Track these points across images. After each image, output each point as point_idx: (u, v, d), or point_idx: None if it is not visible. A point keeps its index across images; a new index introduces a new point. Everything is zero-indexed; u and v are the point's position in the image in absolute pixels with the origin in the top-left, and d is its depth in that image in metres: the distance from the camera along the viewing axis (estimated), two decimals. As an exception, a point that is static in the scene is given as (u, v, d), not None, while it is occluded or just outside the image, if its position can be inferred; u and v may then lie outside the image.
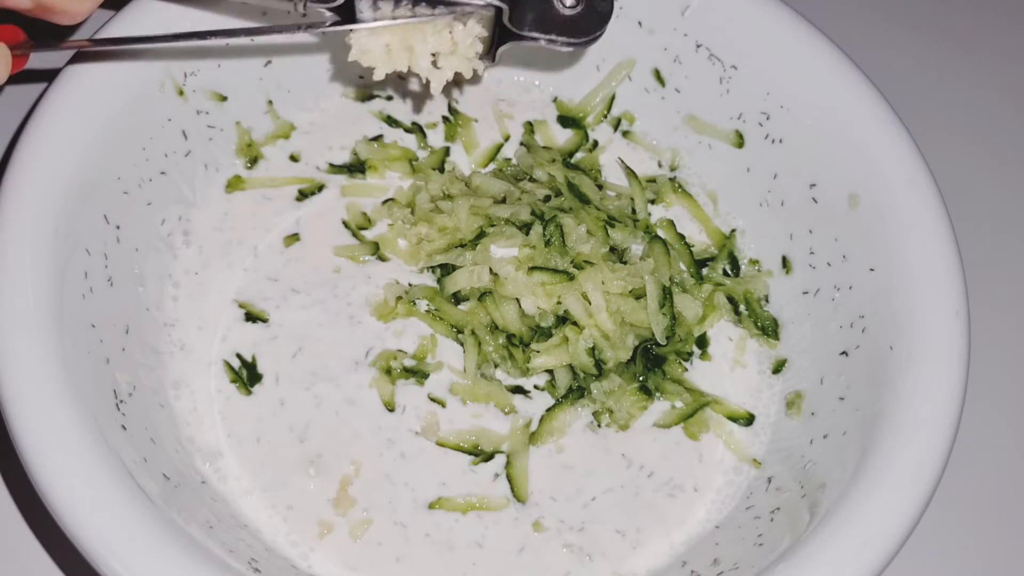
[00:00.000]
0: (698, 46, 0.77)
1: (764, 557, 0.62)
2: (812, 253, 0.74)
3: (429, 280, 0.76)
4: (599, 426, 0.72)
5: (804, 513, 0.64)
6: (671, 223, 0.79)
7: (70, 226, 0.64)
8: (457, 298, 0.75)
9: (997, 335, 0.81)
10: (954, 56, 0.94)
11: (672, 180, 0.81)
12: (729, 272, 0.78)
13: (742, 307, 0.77)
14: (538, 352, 0.72)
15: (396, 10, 0.64)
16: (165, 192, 0.74)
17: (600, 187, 0.79)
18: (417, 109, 0.83)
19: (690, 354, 0.75)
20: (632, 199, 0.79)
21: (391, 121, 0.82)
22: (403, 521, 0.68)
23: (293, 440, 0.70)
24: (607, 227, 0.75)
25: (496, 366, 0.73)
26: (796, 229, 0.76)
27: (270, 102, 0.80)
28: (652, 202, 0.80)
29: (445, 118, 0.83)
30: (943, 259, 0.67)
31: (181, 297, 0.74)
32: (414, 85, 0.83)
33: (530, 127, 0.83)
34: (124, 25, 0.69)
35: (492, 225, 0.75)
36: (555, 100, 0.84)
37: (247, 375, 0.72)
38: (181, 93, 0.74)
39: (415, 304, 0.75)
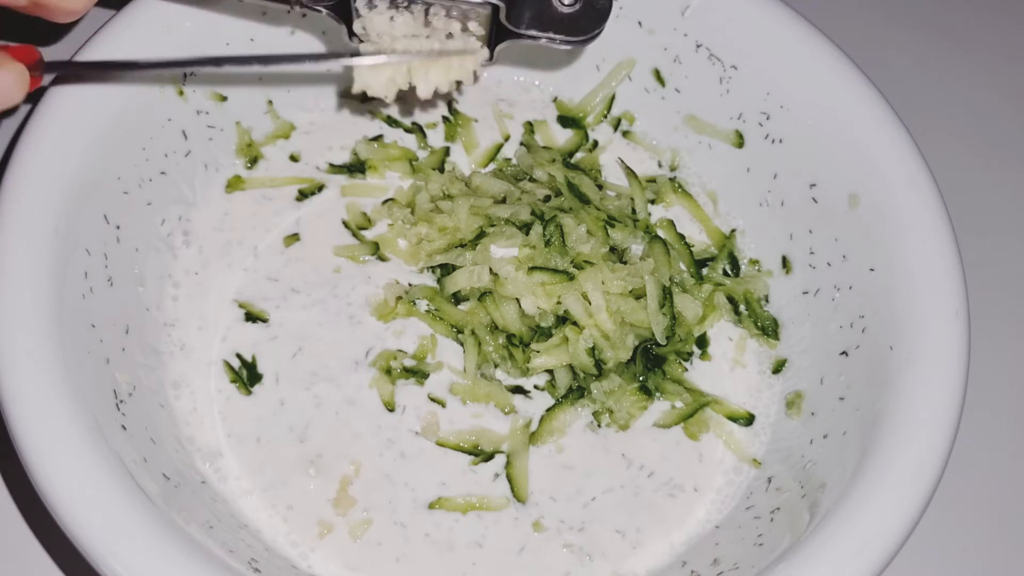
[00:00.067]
0: (698, 46, 0.77)
1: (764, 557, 0.62)
2: (812, 253, 0.74)
3: (429, 280, 0.76)
4: (599, 426, 0.72)
5: (804, 513, 0.64)
6: (671, 223, 0.79)
7: (70, 226, 0.64)
8: (457, 298, 0.75)
9: (997, 335, 0.81)
10: (954, 56, 0.94)
11: (672, 180, 0.81)
12: (729, 272, 0.78)
13: (742, 307, 0.77)
14: (538, 352, 0.72)
15: (393, 11, 0.64)
16: (165, 192, 0.74)
17: (600, 187, 0.79)
18: (416, 109, 0.83)
19: (690, 354, 0.75)
20: (632, 199, 0.79)
21: (391, 121, 0.82)
22: (403, 521, 0.68)
23: (293, 440, 0.70)
24: (607, 227, 0.75)
25: (496, 366, 0.73)
26: (796, 229, 0.76)
27: (270, 102, 0.80)
28: (652, 202, 0.80)
29: (445, 118, 0.83)
30: (943, 259, 0.67)
31: (181, 297, 0.74)
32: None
33: (530, 127, 0.83)
34: (125, 25, 0.69)
35: (492, 225, 0.75)
36: (555, 100, 0.84)
37: (247, 375, 0.72)
38: (181, 93, 0.74)
39: (415, 304, 0.75)
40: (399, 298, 0.74)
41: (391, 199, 0.79)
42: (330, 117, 0.82)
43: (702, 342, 0.76)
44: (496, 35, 0.66)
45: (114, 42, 0.69)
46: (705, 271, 0.78)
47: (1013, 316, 0.83)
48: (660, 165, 0.82)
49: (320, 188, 0.79)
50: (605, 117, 0.83)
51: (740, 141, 0.78)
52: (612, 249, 0.75)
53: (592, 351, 0.71)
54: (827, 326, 0.72)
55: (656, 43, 0.79)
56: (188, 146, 0.75)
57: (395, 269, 0.76)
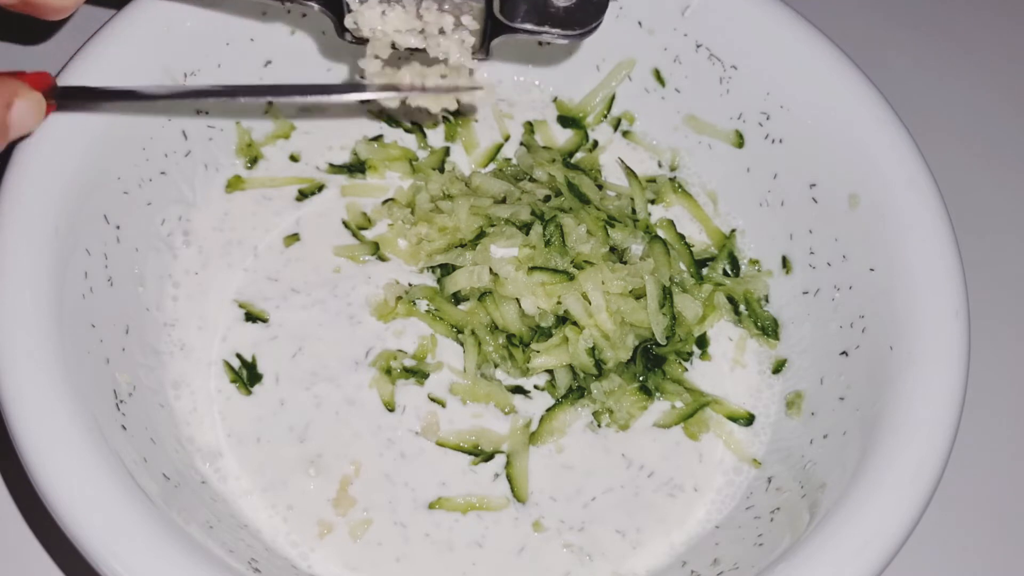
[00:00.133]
0: (698, 46, 0.77)
1: (764, 557, 0.62)
2: (812, 253, 0.74)
3: (429, 280, 0.76)
4: (599, 426, 0.72)
5: (804, 513, 0.64)
6: (671, 223, 0.79)
7: (70, 226, 0.64)
8: (457, 298, 0.75)
9: (997, 335, 0.81)
10: (954, 56, 0.94)
11: (672, 180, 0.81)
12: (729, 272, 0.78)
13: (742, 307, 0.77)
14: (538, 352, 0.72)
15: (385, 5, 0.64)
16: (165, 192, 0.74)
17: (600, 187, 0.79)
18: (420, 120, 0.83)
19: (690, 354, 0.75)
20: (632, 199, 0.79)
21: (391, 121, 0.82)
22: (403, 521, 0.68)
23: (293, 440, 0.70)
24: (607, 227, 0.75)
25: (496, 366, 0.73)
26: (796, 229, 0.76)
27: (270, 102, 0.80)
28: (652, 202, 0.80)
29: (445, 118, 0.83)
30: (943, 259, 0.67)
31: (181, 297, 0.74)
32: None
33: (530, 127, 0.83)
34: (125, 24, 0.69)
35: (492, 225, 0.75)
36: (555, 100, 0.84)
37: (247, 375, 0.72)
38: (181, 93, 0.74)
39: (415, 304, 0.75)
40: (399, 298, 0.74)
41: (391, 199, 0.79)
42: (330, 117, 0.82)
43: (702, 342, 0.76)
44: (491, 30, 0.65)
45: (114, 42, 0.69)
46: (705, 271, 0.78)
47: (1013, 316, 0.83)
48: (660, 165, 0.82)
49: (320, 188, 0.79)
50: (605, 117, 0.83)
51: (740, 141, 0.78)
52: (612, 249, 0.75)
53: (592, 351, 0.71)
54: (827, 326, 0.72)
55: (656, 43, 0.79)
56: (188, 146, 0.75)
57: (395, 269, 0.76)
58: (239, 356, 0.72)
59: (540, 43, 0.82)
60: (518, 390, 0.73)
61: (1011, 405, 0.80)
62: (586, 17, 0.63)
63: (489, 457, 0.71)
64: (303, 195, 0.79)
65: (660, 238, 0.76)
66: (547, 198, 0.77)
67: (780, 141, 0.75)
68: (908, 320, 0.65)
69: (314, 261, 0.76)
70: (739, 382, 0.75)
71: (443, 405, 0.72)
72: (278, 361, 0.73)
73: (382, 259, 0.77)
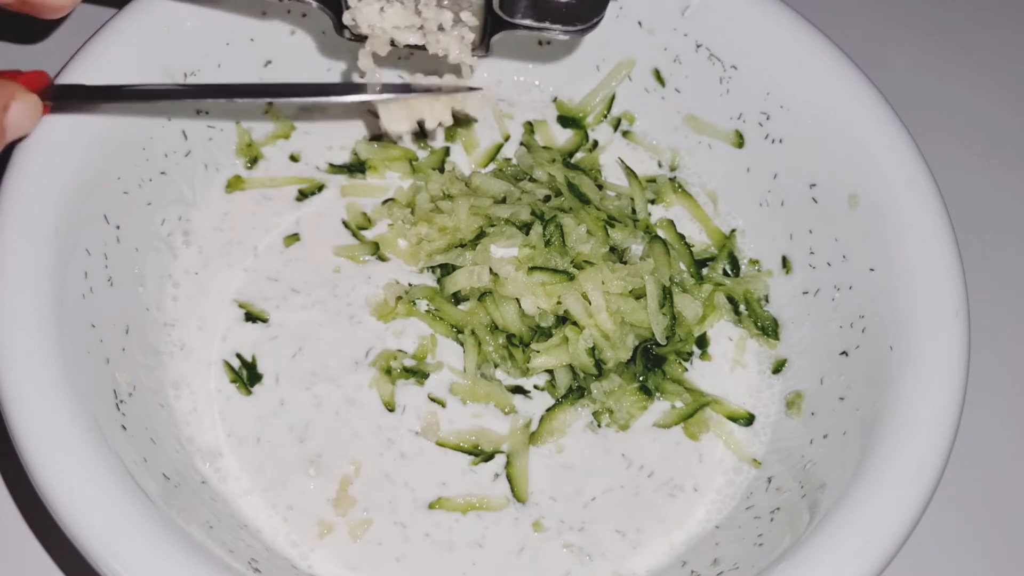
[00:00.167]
0: (698, 46, 0.77)
1: (764, 557, 0.62)
2: (812, 253, 0.74)
3: (429, 280, 0.76)
4: (599, 426, 0.72)
5: (804, 513, 0.64)
6: (671, 223, 0.79)
7: (70, 226, 0.64)
8: (457, 298, 0.75)
9: (997, 335, 0.81)
10: (954, 56, 0.94)
11: (672, 180, 0.81)
12: (729, 272, 0.78)
13: (742, 307, 0.77)
14: (538, 352, 0.72)
15: (383, 1, 0.63)
16: (165, 192, 0.74)
17: (600, 187, 0.79)
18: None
19: (690, 354, 0.75)
20: (632, 199, 0.79)
21: (391, 121, 0.82)
22: (403, 521, 0.68)
23: (293, 440, 0.70)
24: (607, 227, 0.75)
25: (496, 366, 0.73)
26: (796, 229, 0.76)
27: (270, 102, 0.80)
28: (652, 202, 0.80)
29: (445, 118, 0.83)
30: (943, 259, 0.67)
31: (181, 297, 0.74)
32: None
33: (530, 127, 0.83)
34: (125, 24, 0.69)
35: (492, 225, 0.75)
36: (555, 100, 0.84)
37: (247, 375, 0.72)
38: (181, 93, 0.74)
39: (415, 304, 0.75)
40: (399, 298, 0.74)
41: (391, 199, 0.79)
42: (330, 117, 0.82)
43: (702, 342, 0.76)
44: (490, 26, 0.64)
45: (114, 42, 0.69)
46: (705, 271, 0.78)
47: (1013, 316, 0.83)
48: (660, 165, 0.82)
49: (320, 188, 0.79)
50: (605, 117, 0.83)
51: (740, 141, 0.78)
52: (612, 249, 0.75)
53: (592, 351, 0.71)
54: (827, 326, 0.72)
55: (656, 43, 0.79)
56: (188, 146, 0.75)
57: (395, 269, 0.76)
58: (239, 356, 0.72)
59: (540, 42, 0.82)
60: (518, 390, 0.73)
61: (1011, 405, 0.80)
62: (587, 13, 0.63)
63: (489, 457, 0.71)
64: (303, 195, 0.79)
65: (660, 238, 0.76)
66: (547, 198, 0.77)
67: (780, 141, 0.75)
68: (908, 320, 0.65)
69: (314, 261, 0.76)
70: (739, 382, 0.75)
71: (443, 405, 0.72)
72: (278, 361, 0.73)
73: (382, 259, 0.77)
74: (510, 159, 0.82)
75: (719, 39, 0.76)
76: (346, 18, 0.64)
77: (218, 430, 0.70)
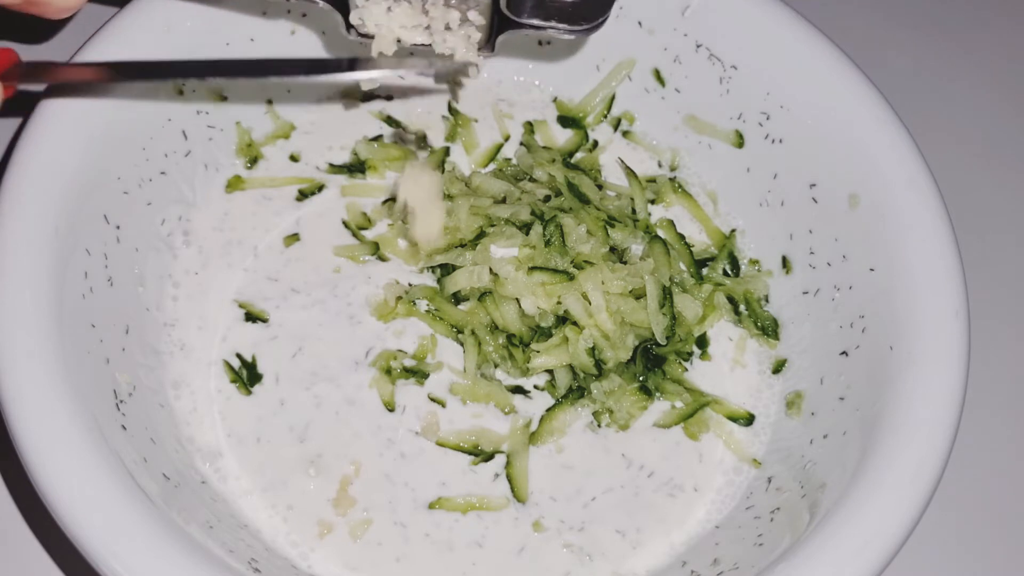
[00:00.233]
0: (698, 46, 0.77)
1: (764, 557, 0.62)
2: (812, 253, 0.74)
3: (429, 280, 0.76)
4: (599, 426, 0.72)
5: (804, 513, 0.64)
6: (671, 223, 0.79)
7: (70, 226, 0.64)
8: (457, 298, 0.75)
9: (997, 335, 0.81)
10: (954, 56, 0.94)
11: (672, 180, 0.81)
12: (729, 272, 0.78)
13: (742, 307, 0.77)
14: (538, 352, 0.72)
15: (391, 1, 0.64)
16: (165, 192, 0.74)
17: (600, 187, 0.79)
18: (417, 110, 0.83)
19: (690, 354, 0.75)
20: (632, 199, 0.79)
21: (391, 121, 0.82)
22: (403, 521, 0.68)
23: (293, 440, 0.70)
24: (607, 227, 0.75)
25: (496, 366, 0.73)
26: (796, 229, 0.76)
27: (270, 102, 0.80)
28: (652, 202, 0.80)
29: (445, 118, 0.83)
30: (943, 259, 0.67)
31: (181, 297, 0.74)
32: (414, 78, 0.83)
33: (530, 127, 0.83)
34: (125, 24, 0.69)
35: (492, 225, 0.75)
36: (555, 100, 0.84)
37: (247, 375, 0.72)
38: (181, 93, 0.74)
39: (415, 304, 0.75)
40: (399, 298, 0.74)
41: (391, 199, 0.79)
42: (330, 117, 0.82)
43: (702, 342, 0.76)
44: (497, 25, 0.64)
45: (114, 42, 0.69)
46: (705, 271, 0.78)
47: (1013, 316, 0.83)
48: (660, 165, 0.82)
49: (320, 188, 0.79)
50: (605, 117, 0.83)
51: (740, 141, 0.78)
52: (612, 249, 0.75)
53: (592, 351, 0.71)
54: (827, 326, 0.72)
55: (656, 43, 0.79)
56: (188, 146, 0.75)
57: (395, 269, 0.76)
58: (239, 356, 0.72)
59: (540, 42, 0.82)
60: (518, 390, 0.73)
61: (1011, 405, 0.80)
62: (592, 12, 0.63)
63: (489, 457, 0.71)
64: (303, 195, 0.79)
65: (660, 238, 0.76)
66: (547, 198, 0.77)
67: (780, 141, 0.75)
68: (908, 320, 0.65)
69: (314, 261, 0.76)
70: (739, 382, 0.75)
71: (443, 405, 0.72)
72: (278, 361, 0.73)
73: (382, 259, 0.77)
74: (510, 159, 0.82)
75: (719, 39, 0.76)
76: (353, 18, 0.64)
77: (218, 430, 0.70)
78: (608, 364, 0.72)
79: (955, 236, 0.68)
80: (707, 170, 0.81)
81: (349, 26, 0.65)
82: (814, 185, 0.74)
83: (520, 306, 0.72)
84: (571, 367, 0.72)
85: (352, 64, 0.62)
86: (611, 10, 0.63)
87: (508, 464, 0.71)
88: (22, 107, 0.77)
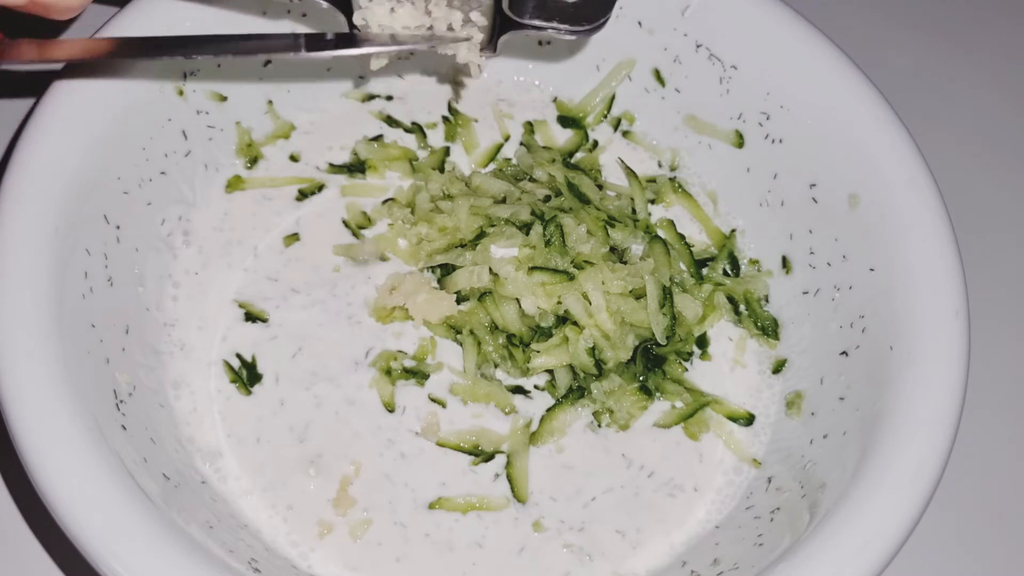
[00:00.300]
0: (698, 46, 0.77)
1: (764, 557, 0.62)
2: (812, 253, 0.74)
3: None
4: (599, 426, 0.72)
5: (804, 513, 0.64)
6: (671, 223, 0.79)
7: (70, 226, 0.64)
8: (457, 298, 0.74)
9: (997, 335, 0.81)
10: (954, 56, 0.94)
11: (672, 180, 0.81)
12: (729, 272, 0.78)
13: (742, 307, 0.77)
14: (538, 352, 0.72)
15: (394, 2, 0.64)
16: (165, 192, 0.74)
17: (600, 187, 0.79)
18: (417, 110, 0.83)
19: (690, 354, 0.75)
20: (632, 199, 0.79)
21: (391, 121, 0.82)
22: (403, 521, 0.68)
23: (293, 440, 0.70)
24: (607, 227, 0.75)
25: (496, 366, 0.73)
26: (796, 229, 0.76)
27: (270, 102, 0.80)
28: (652, 202, 0.80)
29: (445, 118, 0.83)
30: (943, 259, 0.67)
31: (181, 297, 0.74)
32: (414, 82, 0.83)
33: (530, 127, 0.83)
34: (125, 24, 0.69)
35: (492, 225, 0.75)
36: (555, 100, 0.84)
37: (247, 375, 0.72)
38: (181, 93, 0.74)
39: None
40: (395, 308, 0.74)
41: (391, 199, 0.79)
42: (330, 117, 0.82)
43: (702, 342, 0.76)
44: (499, 26, 0.64)
45: (114, 42, 0.69)
46: (705, 271, 0.78)
47: (1013, 316, 0.83)
48: (660, 165, 0.82)
49: (320, 188, 0.79)
50: (605, 117, 0.83)
51: (740, 141, 0.78)
52: (612, 249, 0.75)
53: (592, 351, 0.71)
54: (827, 326, 0.72)
55: (656, 43, 0.79)
56: (188, 146, 0.75)
57: (395, 269, 0.76)
58: (239, 356, 0.72)
59: (540, 42, 0.82)
60: (518, 390, 0.73)
61: (1011, 405, 0.80)
62: (594, 13, 0.63)
63: (489, 457, 0.71)
64: (303, 195, 0.79)
65: (660, 238, 0.76)
66: (547, 198, 0.77)
67: (780, 141, 0.75)
68: (908, 320, 0.65)
69: (314, 261, 0.76)
70: (739, 382, 0.75)
71: (443, 405, 0.72)
72: (278, 361, 0.72)
73: (382, 259, 0.77)
74: (510, 159, 0.82)
75: (719, 39, 0.76)
76: (356, 18, 0.64)
77: (218, 430, 0.70)
78: (608, 364, 0.72)
79: (955, 236, 0.68)
80: (707, 170, 0.81)
81: (352, 27, 0.65)
82: (814, 185, 0.74)
83: (520, 306, 0.72)
84: (571, 367, 0.72)
85: (350, 39, 0.62)
86: (612, 11, 0.63)
87: (508, 464, 0.71)
88: (22, 106, 0.77)
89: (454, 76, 0.83)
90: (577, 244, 0.73)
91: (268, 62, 0.78)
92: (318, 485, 0.69)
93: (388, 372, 0.72)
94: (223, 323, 0.73)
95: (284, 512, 0.68)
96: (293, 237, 0.77)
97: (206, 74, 0.75)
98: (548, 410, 0.72)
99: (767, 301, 0.77)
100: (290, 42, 0.64)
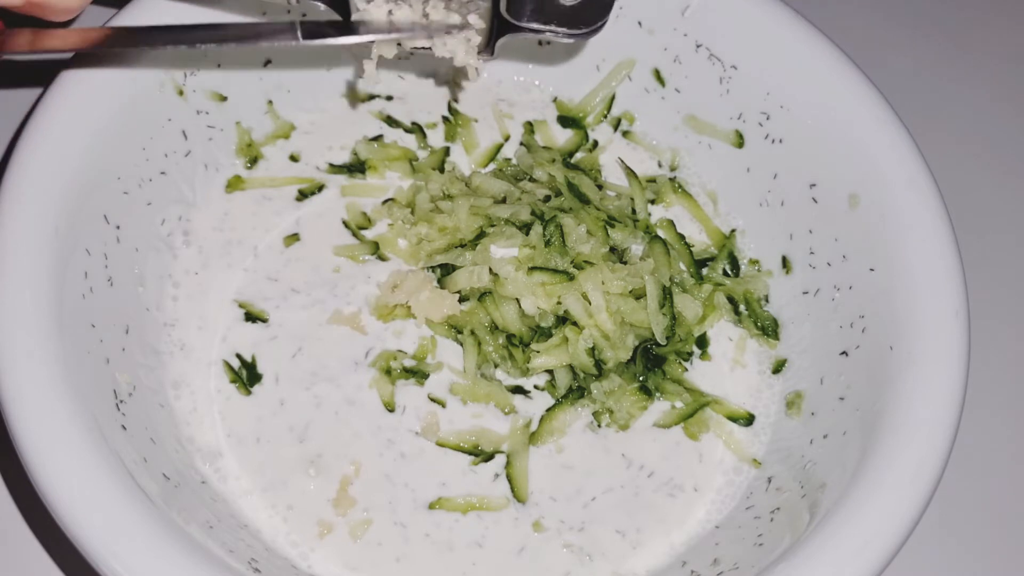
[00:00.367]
0: (698, 46, 0.77)
1: (764, 557, 0.62)
2: (812, 253, 0.74)
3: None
4: (599, 426, 0.72)
5: (804, 513, 0.64)
6: (671, 223, 0.79)
7: (70, 226, 0.64)
8: (457, 298, 0.74)
9: (997, 335, 0.81)
10: (954, 56, 0.94)
11: (672, 180, 0.81)
12: (729, 272, 0.78)
13: (742, 307, 0.77)
14: (538, 352, 0.72)
15: (392, 4, 0.64)
16: (165, 192, 0.74)
17: (600, 187, 0.79)
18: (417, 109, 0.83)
19: (690, 354, 0.75)
20: (632, 199, 0.79)
21: (391, 121, 0.82)
22: (403, 521, 0.68)
23: (293, 440, 0.70)
24: (607, 227, 0.75)
25: (496, 366, 0.73)
26: (796, 229, 0.76)
27: (270, 102, 0.80)
28: (652, 202, 0.80)
29: (445, 118, 0.83)
30: (943, 259, 0.67)
31: (181, 297, 0.74)
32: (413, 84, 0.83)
33: (530, 127, 0.83)
34: (126, 24, 0.69)
35: (492, 225, 0.75)
36: (555, 100, 0.84)
37: (247, 375, 0.72)
38: (181, 93, 0.74)
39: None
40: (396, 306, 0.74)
41: (391, 199, 0.79)
42: (330, 117, 0.82)
43: (702, 342, 0.76)
44: (497, 29, 0.64)
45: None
46: (705, 271, 0.78)
47: (1013, 316, 0.83)
48: (660, 165, 0.82)
49: (320, 188, 0.79)
50: (605, 117, 0.83)
51: (740, 141, 0.78)
52: (612, 249, 0.75)
53: (592, 351, 0.71)
54: (827, 326, 0.72)
55: (656, 43, 0.79)
56: (188, 146, 0.75)
57: (396, 269, 0.76)
58: (239, 356, 0.72)
59: (540, 43, 0.82)
60: (518, 390, 0.73)
61: (1011, 405, 0.80)
62: (592, 16, 0.63)
63: (489, 457, 0.71)
64: (303, 195, 0.79)
65: (660, 238, 0.76)
66: (547, 198, 0.77)
67: (780, 141, 0.75)
68: (908, 320, 0.65)
69: (314, 261, 0.76)
70: (739, 382, 0.75)
71: (443, 405, 0.72)
72: (278, 361, 0.73)
73: (382, 259, 0.77)
74: (510, 159, 0.82)
75: (719, 39, 0.76)
76: (354, 20, 0.64)
77: (218, 430, 0.70)
78: (608, 364, 0.72)
79: (955, 236, 0.68)
80: (707, 170, 0.81)
81: None
82: (814, 185, 0.74)
83: (520, 306, 0.72)
84: (571, 367, 0.72)
85: (348, 27, 0.62)
86: (610, 14, 0.63)
87: (508, 464, 0.71)
88: (22, 105, 0.77)
89: (454, 76, 0.83)
90: (577, 244, 0.73)
91: (268, 62, 0.78)
92: (318, 485, 0.69)
93: (388, 372, 0.72)
94: (223, 323, 0.73)
95: (284, 512, 0.68)
96: (293, 237, 0.77)
97: (206, 74, 0.75)
98: (548, 410, 0.72)
99: (767, 301, 0.77)
100: (288, 30, 0.64)
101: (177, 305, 0.74)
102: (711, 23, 0.76)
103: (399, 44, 0.65)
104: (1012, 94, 0.93)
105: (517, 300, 0.72)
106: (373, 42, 0.65)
